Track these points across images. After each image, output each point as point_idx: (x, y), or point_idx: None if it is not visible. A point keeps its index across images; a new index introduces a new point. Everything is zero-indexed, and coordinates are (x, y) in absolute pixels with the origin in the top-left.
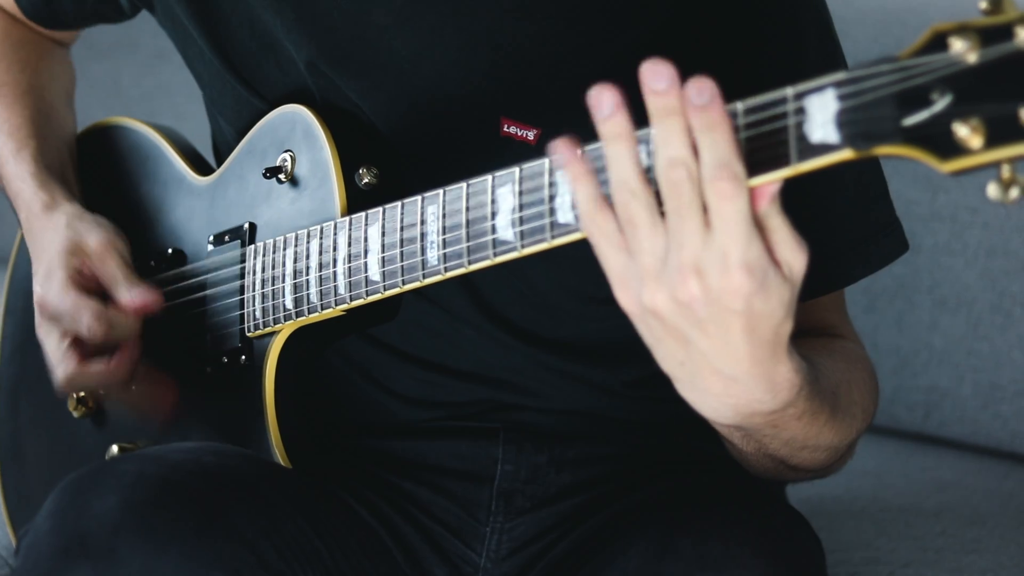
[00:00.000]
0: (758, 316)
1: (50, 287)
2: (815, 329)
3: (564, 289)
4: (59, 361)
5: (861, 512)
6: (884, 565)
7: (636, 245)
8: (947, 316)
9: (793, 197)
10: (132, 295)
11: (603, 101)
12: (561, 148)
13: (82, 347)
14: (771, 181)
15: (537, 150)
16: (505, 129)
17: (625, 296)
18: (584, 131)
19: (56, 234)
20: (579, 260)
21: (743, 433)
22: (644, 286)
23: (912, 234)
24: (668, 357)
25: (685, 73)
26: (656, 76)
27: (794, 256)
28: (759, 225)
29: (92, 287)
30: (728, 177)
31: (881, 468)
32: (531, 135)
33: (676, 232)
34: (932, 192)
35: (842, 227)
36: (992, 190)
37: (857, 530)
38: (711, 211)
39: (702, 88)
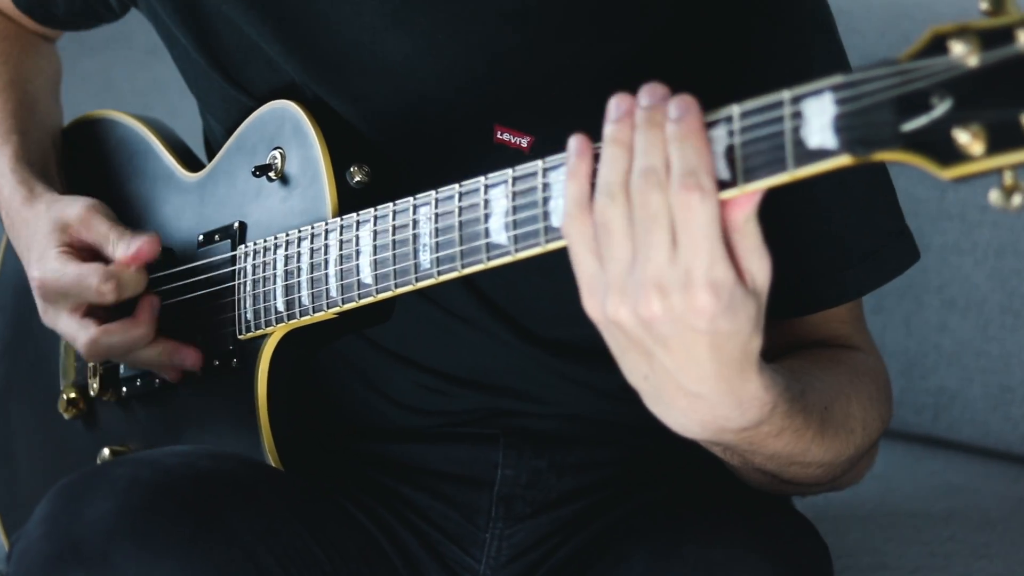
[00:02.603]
0: (724, 335)
1: (45, 266)
2: (825, 341)
3: (561, 290)
4: (78, 332)
5: (868, 517)
6: (892, 571)
7: (608, 252)
8: (956, 317)
9: (801, 209)
10: (127, 246)
11: (619, 105)
12: (582, 140)
13: (96, 315)
14: (767, 187)
15: (530, 158)
16: (498, 136)
17: (591, 303)
18: None
19: (38, 220)
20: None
21: (722, 448)
22: (608, 296)
23: (920, 233)
24: (632, 370)
25: (682, 80)
26: (649, 92)
27: (759, 266)
28: (735, 233)
29: (86, 257)
30: (694, 187)
31: (889, 472)
32: (524, 143)
33: (642, 245)
34: (940, 190)
35: (852, 238)
36: (994, 197)
37: (864, 535)
38: (676, 224)
39: (678, 101)
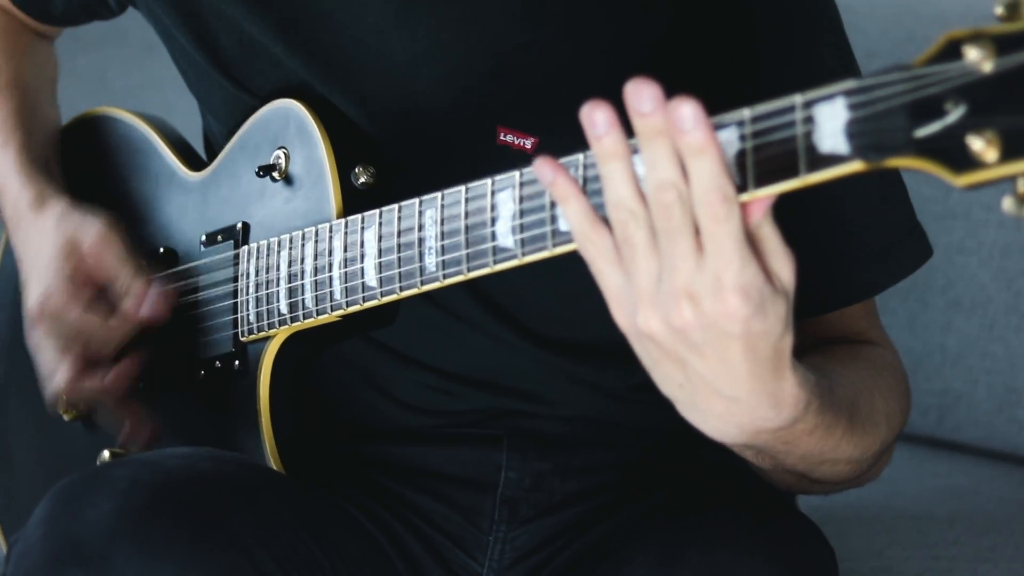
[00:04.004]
0: (756, 336)
1: (49, 299)
2: (842, 337)
3: (567, 290)
4: (52, 374)
5: (872, 520)
6: (896, 574)
7: (632, 266)
8: (961, 317)
9: (814, 209)
10: (138, 306)
11: (596, 120)
12: (544, 167)
13: (79, 359)
14: (778, 192)
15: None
16: (502, 138)
17: (621, 316)
18: (583, 141)
19: (45, 236)
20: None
21: (755, 451)
22: (639, 309)
23: (925, 232)
24: (666, 379)
25: (691, 80)
26: (640, 97)
27: (783, 266)
28: (751, 236)
29: (90, 290)
30: (719, 200)
31: (893, 474)
32: (528, 144)
33: (668, 255)
34: (946, 190)
35: (865, 237)
36: (1008, 204)
37: (868, 538)
38: (703, 234)
39: (684, 112)
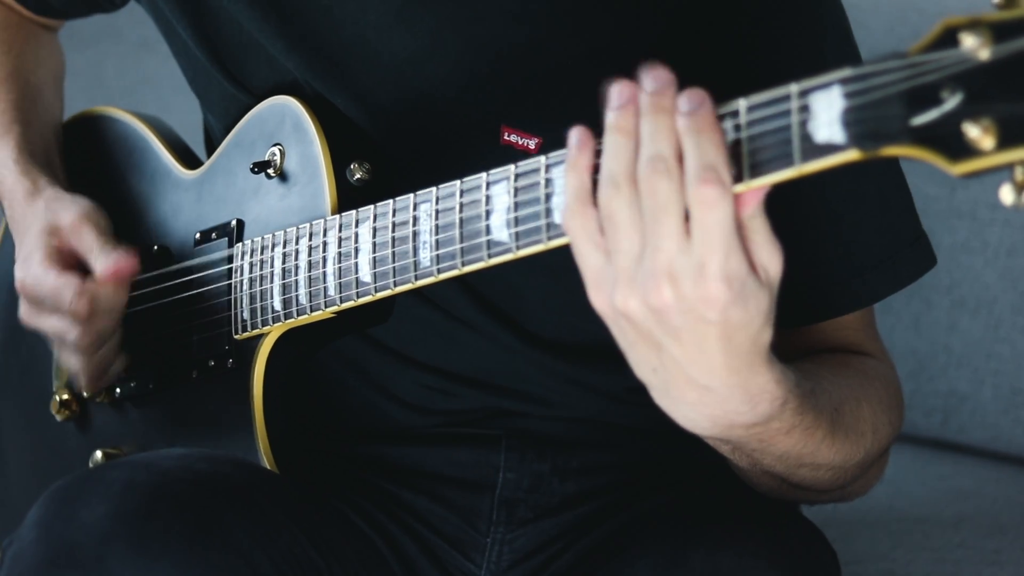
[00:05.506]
0: (735, 326)
1: (28, 269)
2: (837, 348)
3: (565, 291)
4: (67, 328)
5: (876, 522)
6: None
7: (614, 244)
8: (966, 317)
9: (814, 215)
10: (106, 261)
11: (621, 93)
12: (580, 132)
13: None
14: (773, 183)
15: None
16: (506, 137)
17: (598, 297)
18: None
19: (35, 218)
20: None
21: (731, 447)
22: (617, 288)
23: (930, 232)
24: (641, 363)
25: (693, 78)
26: (653, 77)
27: (771, 259)
28: (742, 227)
29: (73, 264)
30: (713, 181)
31: (897, 476)
32: (532, 144)
33: (652, 235)
34: (950, 188)
35: (866, 244)
36: (1005, 194)
37: (872, 541)
38: (692, 218)
39: (692, 95)
